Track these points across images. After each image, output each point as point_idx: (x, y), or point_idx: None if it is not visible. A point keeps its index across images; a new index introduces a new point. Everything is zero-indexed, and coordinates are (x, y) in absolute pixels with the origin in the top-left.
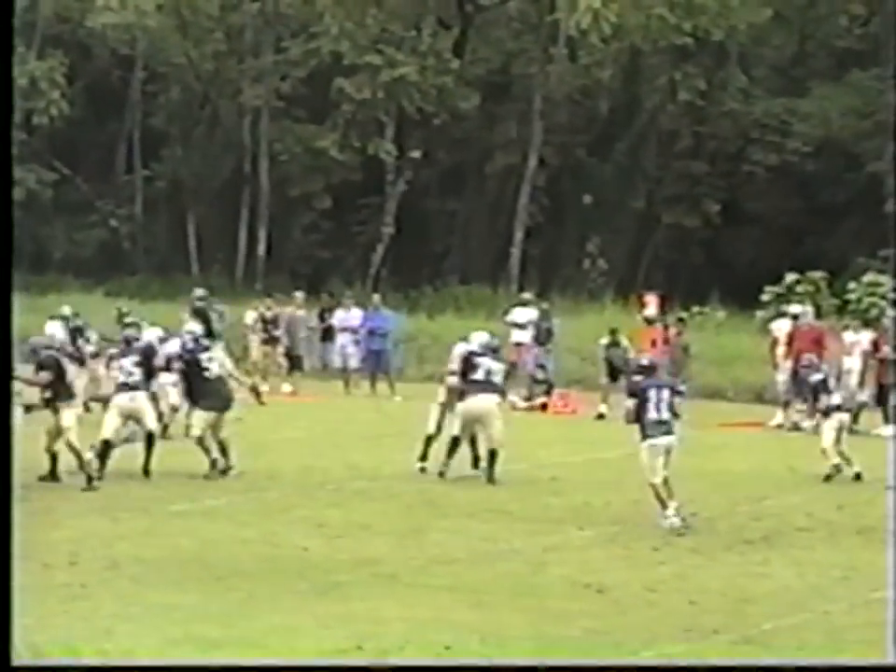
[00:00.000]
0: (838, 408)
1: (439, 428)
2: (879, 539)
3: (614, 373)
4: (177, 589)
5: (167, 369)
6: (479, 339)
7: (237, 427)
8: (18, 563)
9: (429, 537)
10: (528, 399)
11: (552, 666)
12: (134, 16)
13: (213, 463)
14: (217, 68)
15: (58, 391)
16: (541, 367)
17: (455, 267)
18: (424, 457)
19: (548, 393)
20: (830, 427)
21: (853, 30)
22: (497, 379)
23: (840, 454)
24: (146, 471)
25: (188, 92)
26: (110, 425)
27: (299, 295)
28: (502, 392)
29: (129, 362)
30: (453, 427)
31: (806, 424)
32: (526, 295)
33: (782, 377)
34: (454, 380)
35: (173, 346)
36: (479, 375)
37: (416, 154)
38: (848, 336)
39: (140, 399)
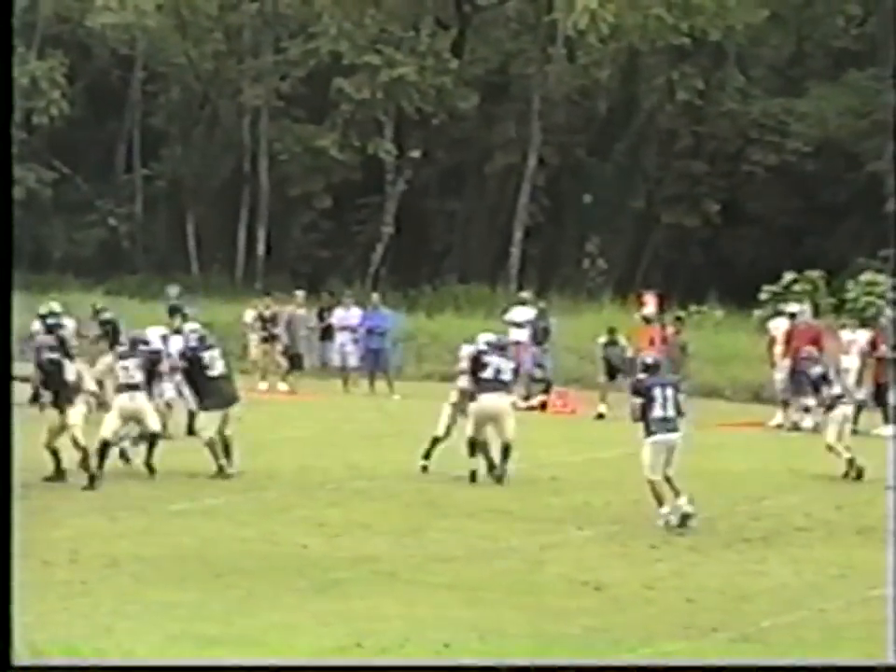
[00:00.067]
0: (840, 398)
1: (448, 431)
2: (878, 538)
3: (612, 372)
4: (177, 587)
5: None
6: (486, 338)
7: (236, 426)
8: (18, 561)
9: (428, 535)
10: (527, 398)
11: (551, 666)
12: (134, 16)
13: (220, 468)
14: (217, 68)
15: (58, 392)
16: (539, 366)
17: (455, 266)
18: (427, 456)
19: (546, 392)
20: (833, 420)
21: (850, 30)
22: (506, 377)
23: (846, 448)
24: (149, 469)
25: (187, 92)
26: (110, 425)
27: (299, 294)
28: (511, 391)
29: (133, 364)
30: (467, 429)
31: (806, 423)
32: (525, 294)
33: (780, 376)
34: (465, 381)
35: (175, 344)
36: (488, 374)
37: (416, 154)
38: (846, 335)
39: (140, 400)
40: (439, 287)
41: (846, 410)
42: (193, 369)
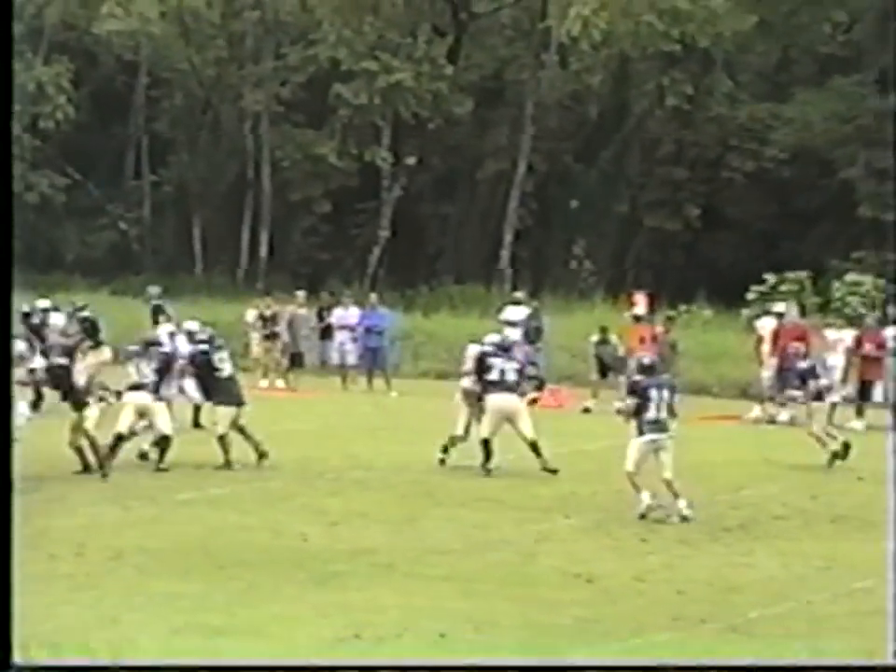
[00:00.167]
0: (828, 390)
1: (467, 430)
2: (852, 527)
3: (604, 370)
4: (181, 578)
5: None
6: (491, 339)
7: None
8: (29, 552)
9: (424, 525)
10: (521, 395)
11: (551, 666)
12: (138, 23)
13: (227, 462)
14: (219, 74)
15: (66, 392)
16: (533, 364)
17: (449, 267)
18: (446, 451)
19: (539, 389)
20: (819, 410)
21: (836, 37)
22: (512, 378)
23: (829, 434)
24: (159, 469)
25: (190, 97)
26: (125, 420)
27: (300, 294)
28: (517, 390)
29: (146, 365)
30: (482, 430)
31: (782, 417)
32: (519, 294)
33: (767, 374)
34: (467, 382)
35: (182, 343)
36: (494, 376)
37: (411, 161)
38: (831, 334)
39: (151, 399)
40: (434, 288)
41: (834, 400)
42: (203, 371)
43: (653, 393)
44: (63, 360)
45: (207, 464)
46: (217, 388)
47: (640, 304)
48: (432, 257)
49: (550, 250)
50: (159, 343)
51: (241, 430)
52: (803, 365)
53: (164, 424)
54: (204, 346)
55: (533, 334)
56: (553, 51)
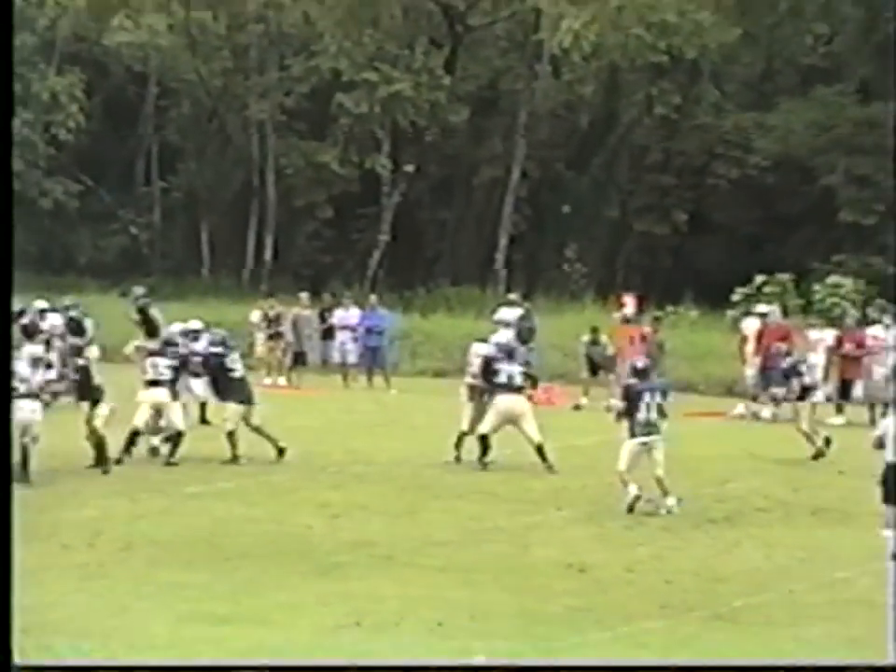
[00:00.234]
0: (812, 388)
1: (472, 426)
2: (832, 518)
3: (594, 368)
4: (188, 569)
5: (197, 374)
6: (498, 340)
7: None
8: (43, 543)
9: (422, 517)
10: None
11: (552, 666)
12: (147, 35)
13: (234, 457)
14: (225, 84)
15: (84, 393)
16: (526, 363)
17: (446, 270)
18: (458, 447)
19: (533, 387)
20: (804, 408)
21: (817, 48)
22: (518, 382)
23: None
24: (169, 463)
25: (197, 107)
26: (141, 416)
27: (304, 296)
28: (523, 393)
29: (163, 363)
30: (483, 426)
31: (765, 414)
32: (512, 295)
33: (751, 372)
34: (471, 379)
35: (197, 343)
36: (502, 379)
37: (410, 168)
38: (813, 334)
39: (166, 396)
40: (432, 289)
41: (817, 398)
42: (217, 371)
43: (646, 397)
44: (82, 361)
45: (214, 459)
46: (229, 387)
47: (629, 305)
48: (430, 260)
49: (543, 253)
50: (175, 343)
51: (257, 430)
52: (786, 364)
53: (178, 420)
54: (219, 348)
55: (525, 334)
56: (546, 62)
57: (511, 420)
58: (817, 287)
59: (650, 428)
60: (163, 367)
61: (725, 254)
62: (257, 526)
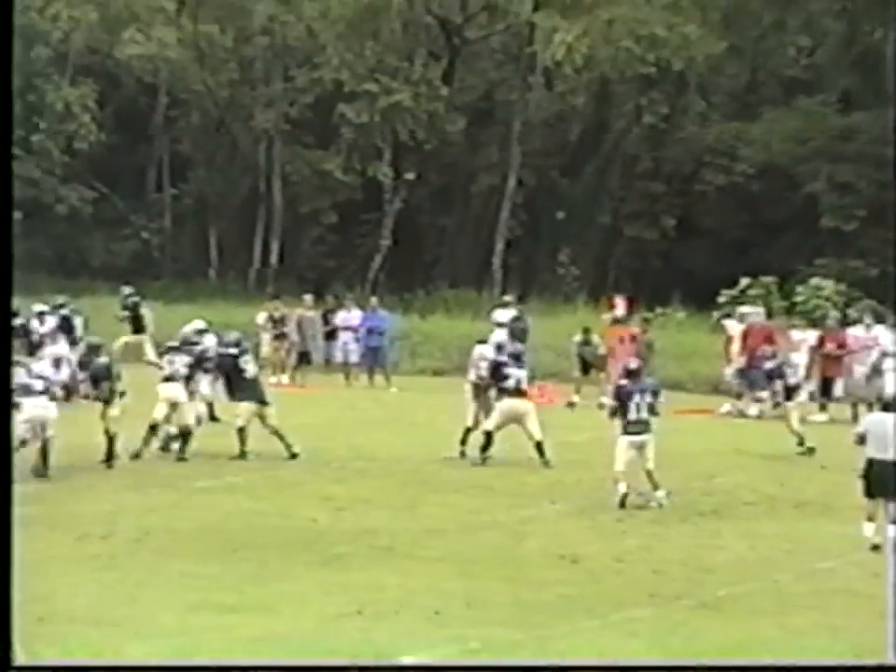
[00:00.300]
0: (796, 389)
1: (476, 421)
2: (816, 511)
3: (586, 367)
4: (198, 560)
5: (207, 370)
6: (498, 340)
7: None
8: (59, 535)
9: (422, 510)
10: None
11: (553, 666)
12: (157, 48)
13: (242, 453)
14: (232, 95)
15: (107, 396)
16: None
17: (445, 273)
18: (464, 443)
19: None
20: (793, 407)
21: (800, 60)
22: (525, 385)
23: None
24: (180, 458)
25: (206, 117)
26: (160, 410)
27: (308, 298)
28: (529, 395)
29: (180, 360)
30: (488, 423)
31: (752, 411)
32: (508, 298)
33: (730, 371)
34: (473, 376)
35: (209, 342)
36: (511, 384)
37: (410, 176)
38: (796, 334)
39: (178, 390)
40: (431, 292)
41: (801, 398)
42: (231, 371)
43: (636, 397)
44: (103, 359)
45: (223, 454)
46: (241, 387)
47: (620, 307)
48: (429, 263)
49: (538, 257)
50: (191, 342)
51: (275, 432)
52: (770, 366)
53: (189, 416)
54: (233, 349)
55: (518, 334)
56: (539, 74)
57: (516, 419)
58: (799, 289)
59: (641, 427)
60: (180, 364)
61: (713, 257)
62: (263, 519)
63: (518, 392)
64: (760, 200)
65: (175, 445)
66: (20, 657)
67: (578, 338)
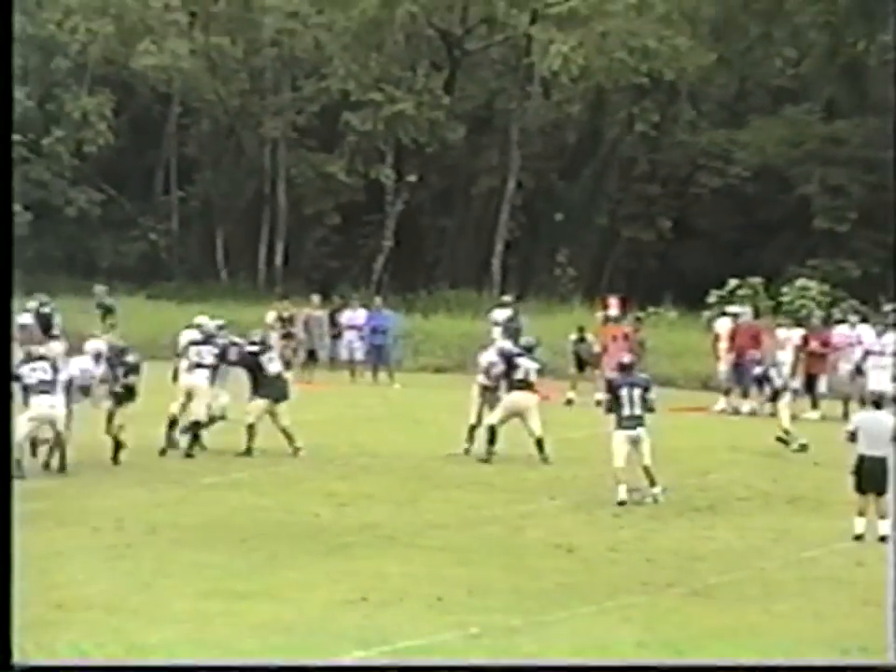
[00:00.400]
0: (783, 389)
1: (479, 418)
2: (808, 506)
3: (581, 365)
4: (208, 550)
5: (232, 363)
6: (502, 343)
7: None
8: (74, 527)
9: (423, 505)
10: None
11: (557, 666)
12: (171, 59)
13: (248, 449)
14: (242, 103)
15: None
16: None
17: (446, 274)
18: (469, 440)
19: None
20: (783, 406)
21: (786, 71)
22: (533, 378)
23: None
24: (188, 455)
25: (216, 124)
26: (177, 403)
27: (315, 298)
28: (536, 389)
29: (206, 350)
30: (491, 418)
31: (745, 408)
32: (506, 297)
33: (724, 368)
34: (482, 378)
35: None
36: (520, 375)
37: (412, 178)
38: (782, 333)
39: (198, 379)
40: (433, 292)
41: (787, 398)
42: (253, 369)
43: (624, 391)
44: (131, 357)
45: (228, 451)
46: (262, 384)
47: (613, 307)
48: (430, 264)
49: (536, 258)
50: (214, 335)
51: (284, 431)
52: (757, 371)
53: (200, 411)
54: (256, 347)
55: (512, 332)
56: (537, 84)
57: (518, 413)
58: (785, 289)
59: (635, 421)
60: (207, 354)
61: (708, 258)
62: (268, 515)
63: (525, 384)
64: (754, 202)
65: (184, 442)
66: (17, 657)
67: (573, 336)
